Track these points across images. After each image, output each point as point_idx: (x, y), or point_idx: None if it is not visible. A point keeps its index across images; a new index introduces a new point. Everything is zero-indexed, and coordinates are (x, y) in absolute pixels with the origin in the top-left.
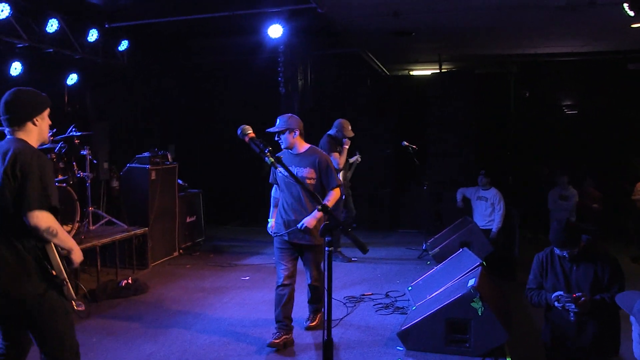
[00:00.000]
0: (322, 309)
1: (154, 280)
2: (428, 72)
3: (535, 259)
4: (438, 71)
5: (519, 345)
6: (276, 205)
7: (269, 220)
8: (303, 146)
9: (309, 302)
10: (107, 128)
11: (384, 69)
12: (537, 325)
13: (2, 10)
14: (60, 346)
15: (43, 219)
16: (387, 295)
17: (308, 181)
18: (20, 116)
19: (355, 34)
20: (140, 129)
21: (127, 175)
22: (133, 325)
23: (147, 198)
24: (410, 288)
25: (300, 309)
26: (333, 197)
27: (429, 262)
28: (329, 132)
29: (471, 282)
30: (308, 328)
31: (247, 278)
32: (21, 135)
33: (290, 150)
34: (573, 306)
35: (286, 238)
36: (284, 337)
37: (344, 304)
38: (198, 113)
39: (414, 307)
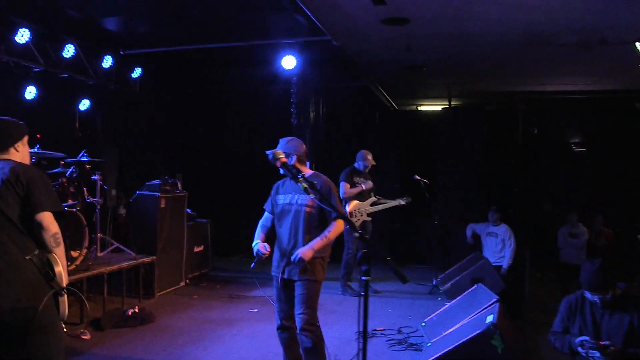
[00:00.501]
0: None
1: (160, 310)
2: (436, 108)
3: (563, 301)
4: (447, 106)
5: None
6: (264, 232)
7: (255, 242)
8: (305, 172)
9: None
10: (116, 154)
11: (393, 104)
12: None
13: (22, 35)
14: None
15: (54, 222)
16: (399, 331)
17: (307, 209)
18: (2, 142)
19: (367, 67)
20: (149, 156)
21: (137, 203)
22: (140, 356)
23: (155, 226)
24: (424, 324)
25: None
26: (334, 229)
27: (439, 298)
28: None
29: (489, 318)
30: None
31: (256, 310)
32: (6, 157)
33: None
34: (598, 354)
35: (285, 276)
36: None
37: (356, 339)
38: (208, 142)
39: (429, 344)
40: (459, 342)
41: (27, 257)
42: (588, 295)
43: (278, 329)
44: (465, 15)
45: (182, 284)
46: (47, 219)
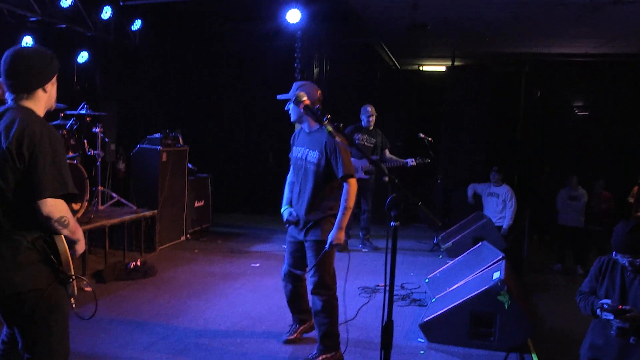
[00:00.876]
0: (332, 352)
1: (162, 264)
2: (439, 68)
3: (596, 261)
4: (452, 65)
5: (543, 343)
6: (290, 191)
7: (283, 207)
8: (315, 124)
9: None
10: (115, 108)
11: (396, 63)
12: (559, 324)
13: None
14: (49, 350)
15: (57, 207)
16: (402, 287)
17: (315, 168)
18: (30, 82)
19: (371, 23)
20: (148, 111)
21: (137, 156)
22: (144, 308)
23: (156, 180)
24: (427, 280)
25: None
26: (350, 193)
27: (441, 256)
28: None
29: (496, 274)
30: (286, 342)
31: (258, 265)
32: (28, 103)
33: (302, 127)
34: (612, 317)
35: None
36: (300, 329)
37: (359, 294)
38: (209, 97)
39: (434, 299)
40: (466, 298)
41: (27, 240)
42: (619, 257)
43: (282, 279)
44: None
45: (183, 238)
46: (47, 206)
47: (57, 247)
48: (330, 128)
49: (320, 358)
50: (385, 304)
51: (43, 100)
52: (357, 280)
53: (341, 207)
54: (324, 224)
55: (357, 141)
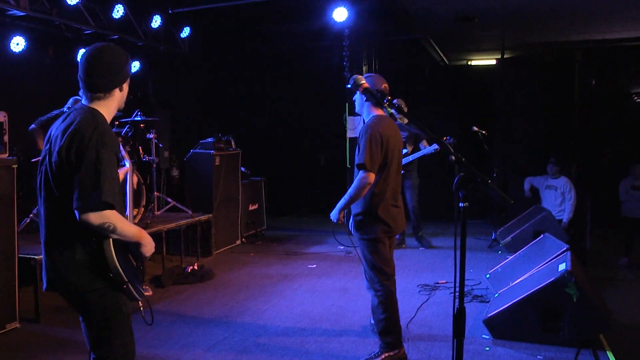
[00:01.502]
0: (394, 349)
1: (219, 267)
2: (488, 62)
3: None
4: (502, 58)
5: (617, 339)
6: None
7: None
8: (370, 115)
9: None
10: (168, 115)
11: (444, 58)
12: (632, 321)
13: None
14: (111, 350)
15: (94, 218)
16: (461, 284)
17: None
18: (111, 81)
19: (419, 18)
20: (200, 117)
21: (191, 161)
22: (203, 311)
23: (211, 184)
24: (488, 276)
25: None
26: (355, 183)
27: (500, 252)
28: None
29: (562, 266)
30: None
31: (314, 266)
32: (101, 103)
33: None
34: None
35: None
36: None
37: (418, 292)
38: (260, 100)
39: (497, 295)
40: (531, 291)
41: (81, 245)
42: None
43: None
44: None
45: (238, 242)
46: (84, 218)
47: (104, 254)
48: (391, 110)
49: (383, 356)
50: (455, 290)
51: (117, 99)
52: (416, 278)
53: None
54: (358, 223)
55: None
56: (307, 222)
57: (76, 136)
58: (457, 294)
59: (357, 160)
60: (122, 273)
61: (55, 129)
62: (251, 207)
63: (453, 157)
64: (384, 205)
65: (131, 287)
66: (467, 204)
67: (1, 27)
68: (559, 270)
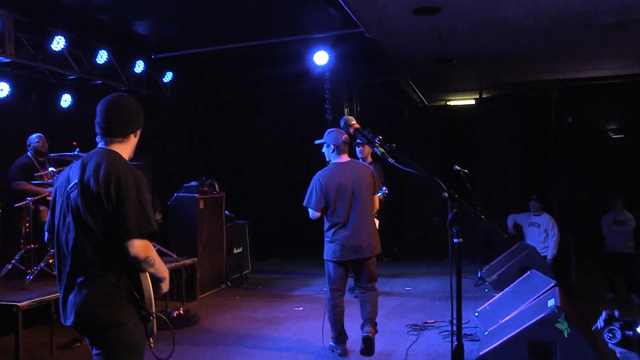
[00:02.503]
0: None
1: (204, 311)
2: (465, 102)
3: None
4: (480, 97)
5: None
6: None
7: None
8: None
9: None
10: (150, 160)
11: (423, 99)
12: None
13: (57, 43)
14: None
15: (143, 248)
16: (451, 323)
17: None
18: (129, 127)
19: (398, 60)
20: (183, 161)
21: (175, 205)
22: (190, 356)
23: (195, 228)
24: (476, 314)
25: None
26: None
27: (487, 290)
28: None
29: (551, 302)
30: None
31: (301, 308)
32: (118, 147)
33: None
34: None
35: None
36: None
37: (407, 332)
38: (242, 144)
39: (487, 332)
40: (521, 328)
41: (114, 277)
42: None
43: None
44: (498, 1)
45: (223, 286)
46: (135, 247)
47: (141, 285)
48: (382, 149)
49: None
50: (453, 325)
51: (131, 145)
52: (405, 319)
53: None
54: None
55: None
56: (291, 264)
57: (112, 174)
58: (454, 328)
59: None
60: (153, 304)
61: (77, 170)
62: (235, 251)
63: (446, 194)
64: None
65: (155, 321)
66: (461, 239)
67: None
68: (549, 306)
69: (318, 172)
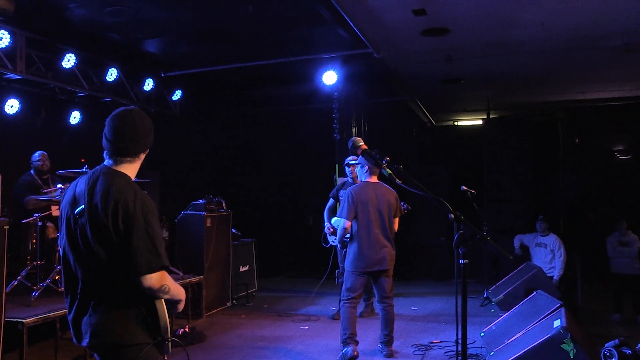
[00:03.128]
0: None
1: (210, 329)
2: (473, 122)
3: None
4: (487, 118)
5: None
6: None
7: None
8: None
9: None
10: (158, 177)
11: (431, 119)
12: None
13: (68, 61)
14: None
15: (156, 279)
16: (457, 343)
17: None
18: (140, 146)
19: (406, 80)
20: (190, 178)
21: (182, 222)
22: None
23: (202, 245)
24: (482, 334)
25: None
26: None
27: (492, 310)
28: None
29: (557, 322)
30: None
31: (307, 327)
32: (126, 168)
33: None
34: None
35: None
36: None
37: (413, 352)
38: (250, 162)
39: (492, 353)
40: (527, 349)
41: (129, 307)
42: None
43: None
44: (507, 23)
45: (229, 304)
46: (147, 280)
47: (157, 311)
48: (390, 170)
49: None
50: (458, 345)
51: (139, 164)
52: (410, 339)
53: None
54: None
55: (341, 198)
56: (298, 283)
57: (120, 204)
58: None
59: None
60: (169, 329)
61: (84, 189)
62: (242, 269)
63: (452, 216)
64: None
65: (169, 344)
66: (467, 260)
67: None
68: (554, 326)
69: (350, 187)
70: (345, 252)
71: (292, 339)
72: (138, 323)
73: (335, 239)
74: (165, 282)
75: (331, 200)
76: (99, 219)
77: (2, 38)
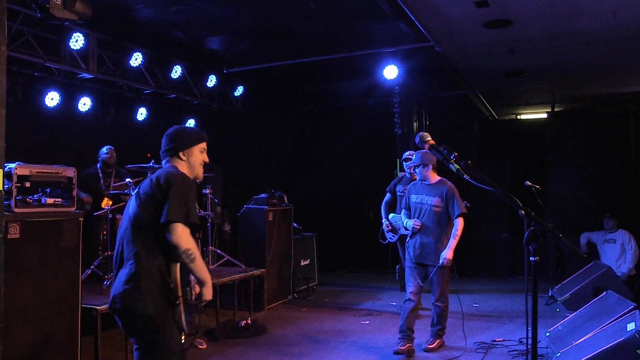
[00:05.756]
0: (443, 335)
1: (271, 322)
2: (537, 116)
3: None
4: (552, 111)
5: None
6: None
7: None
8: (434, 178)
9: (432, 324)
10: (221, 172)
11: (493, 112)
12: None
13: (135, 59)
14: None
15: (184, 237)
16: (520, 342)
17: (435, 209)
18: (171, 149)
19: (468, 74)
20: (252, 173)
21: (244, 216)
22: None
23: (264, 239)
24: (548, 334)
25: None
26: (459, 227)
27: (558, 310)
28: None
29: (631, 326)
30: (426, 349)
31: (368, 322)
32: (175, 162)
33: (424, 181)
34: None
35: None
36: (407, 344)
37: (475, 349)
38: (311, 157)
39: (559, 354)
40: (597, 351)
41: (153, 265)
42: None
43: (405, 300)
44: (574, 12)
45: (290, 297)
46: (176, 232)
47: (170, 271)
48: (457, 166)
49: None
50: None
51: (183, 164)
52: (472, 337)
53: (452, 235)
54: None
55: (398, 193)
56: (358, 277)
57: (167, 173)
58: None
59: (457, 212)
60: (179, 288)
61: (146, 182)
62: (303, 263)
63: (522, 212)
64: None
65: (182, 309)
66: (537, 258)
67: (72, 89)
68: (628, 330)
69: (411, 183)
70: (404, 247)
71: (353, 333)
72: (157, 291)
73: (394, 235)
74: (192, 248)
75: (388, 195)
76: (147, 184)
77: (77, 40)
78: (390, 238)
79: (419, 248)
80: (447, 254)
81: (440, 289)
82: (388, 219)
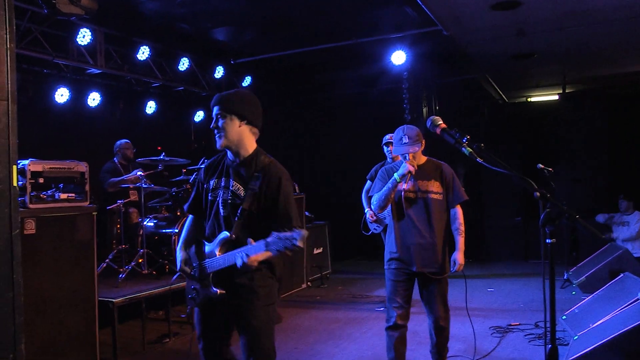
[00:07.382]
0: None
1: (285, 311)
2: (547, 98)
3: None
4: (563, 93)
5: None
6: None
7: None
8: (422, 158)
9: (432, 350)
10: None
11: (503, 95)
12: None
13: (143, 53)
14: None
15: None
16: (536, 325)
17: (433, 196)
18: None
19: (477, 57)
20: None
21: None
22: None
23: None
24: (564, 317)
25: None
26: (462, 216)
27: (574, 292)
28: None
29: None
30: None
31: (382, 309)
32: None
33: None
34: None
35: (414, 269)
36: None
37: (491, 334)
38: (322, 144)
39: (576, 337)
40: (616, 334)
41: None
42: None
43: (390, 328)
44: None
45: (304, 285)
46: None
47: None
48: (470, 149)
49: None
50: (546, 329)
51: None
52: (488, 320)
53: (458, 232)
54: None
55: None
56: (371, 265)
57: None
58: (547, 331)
59: (460, 198)
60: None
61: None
62: (316, 251)
63: (538, 194)
64: None
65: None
66: (554, 240)
67: (80, 85)
68: None
69: (448, 166)
70: None
71: (367, 320)
72: (271, 280)
73: (378, 226)
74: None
75: (368, 183)
76: (261, 184)
77: (84, 36)
78: (375, 229)
79: (413, 251)
80: (460, 257)
81: (445, 305)
82: (371, 209)
